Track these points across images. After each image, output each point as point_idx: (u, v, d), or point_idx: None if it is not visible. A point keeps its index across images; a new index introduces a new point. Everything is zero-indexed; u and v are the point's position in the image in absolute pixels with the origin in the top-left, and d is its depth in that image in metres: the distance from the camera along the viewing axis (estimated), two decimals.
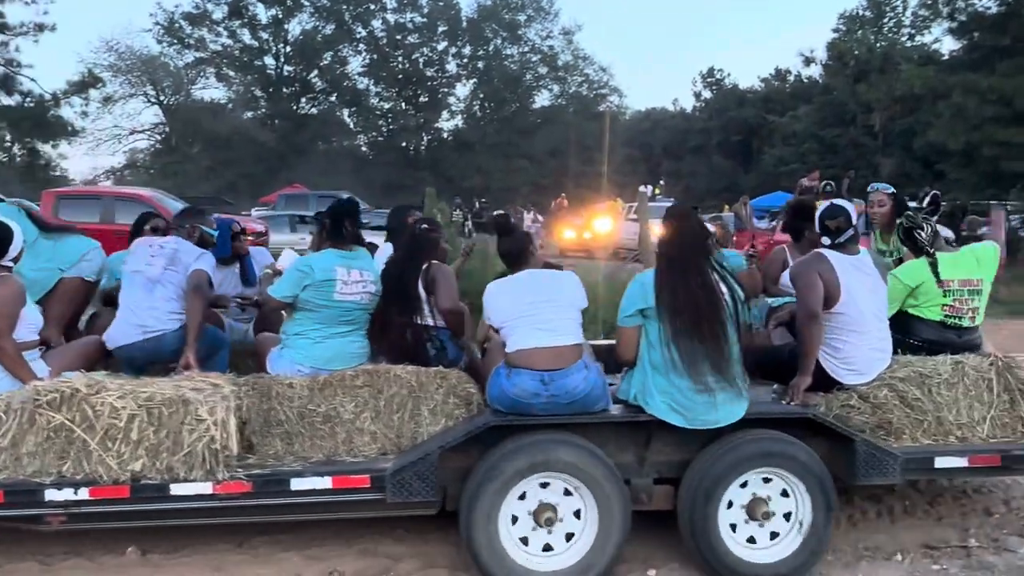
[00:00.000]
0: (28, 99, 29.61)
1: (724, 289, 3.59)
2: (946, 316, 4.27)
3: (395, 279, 4.16)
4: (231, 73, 47.38)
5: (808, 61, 46.95)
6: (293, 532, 4.14)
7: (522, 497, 3.55)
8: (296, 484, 3.44)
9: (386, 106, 49.82)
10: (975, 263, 4.35)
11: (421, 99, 50.98)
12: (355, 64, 49.79)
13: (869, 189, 5.63)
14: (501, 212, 3.68)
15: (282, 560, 3.88)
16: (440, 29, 49.99)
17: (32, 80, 29.86)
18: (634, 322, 3.64)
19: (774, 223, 15.36)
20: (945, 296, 4.26)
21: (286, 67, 48.48)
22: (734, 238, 8.94)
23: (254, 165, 43.82)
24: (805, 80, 48.36)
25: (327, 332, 4.02)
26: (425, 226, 4.44)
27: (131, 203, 13.58)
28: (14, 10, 28.40)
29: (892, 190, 5.52)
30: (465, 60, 51.41)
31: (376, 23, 49.13)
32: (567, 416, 3.57)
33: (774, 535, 3.68)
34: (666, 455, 3.73)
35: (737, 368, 3.57)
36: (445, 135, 51.95)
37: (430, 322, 4.15)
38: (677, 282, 3.55)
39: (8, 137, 30.30)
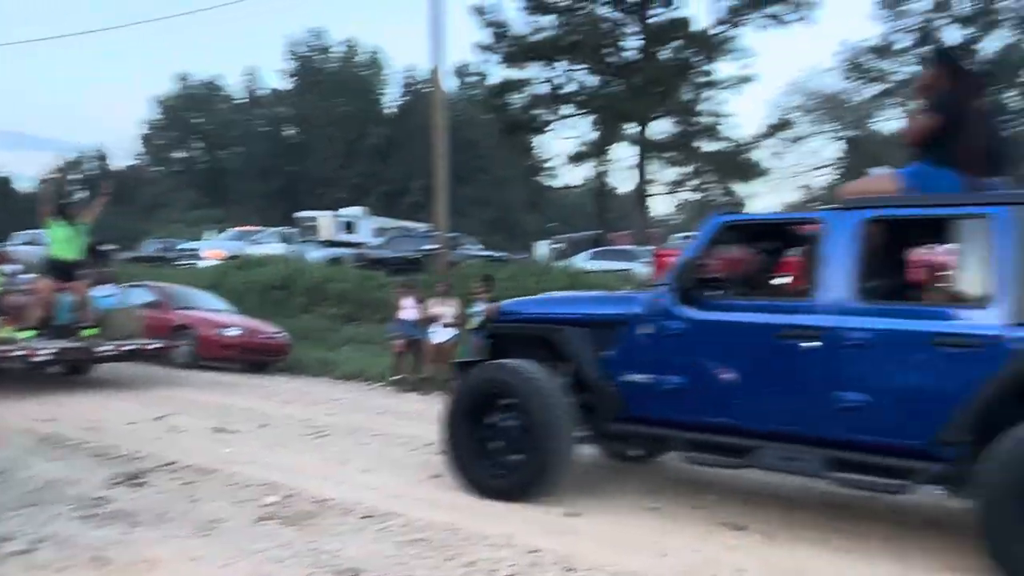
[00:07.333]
0: (728, 144, 33.65)
1: None
2: (57, 251, 8.91)
3: None
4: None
5: None
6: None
7: None
8: None
9: None
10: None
11: None
12: None
13: None
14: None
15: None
16: None
17: (732, 127, 33.90)
18: None
19: None
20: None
21: None
22: None
23: None
24: None
25: None
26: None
27: None
28: (723, 66, 32.50)
29: None
30: None
31: None
32: None
33: None
34: None
35: None
36: None
37: None
38: None
39: (710, 179, 34.83)
